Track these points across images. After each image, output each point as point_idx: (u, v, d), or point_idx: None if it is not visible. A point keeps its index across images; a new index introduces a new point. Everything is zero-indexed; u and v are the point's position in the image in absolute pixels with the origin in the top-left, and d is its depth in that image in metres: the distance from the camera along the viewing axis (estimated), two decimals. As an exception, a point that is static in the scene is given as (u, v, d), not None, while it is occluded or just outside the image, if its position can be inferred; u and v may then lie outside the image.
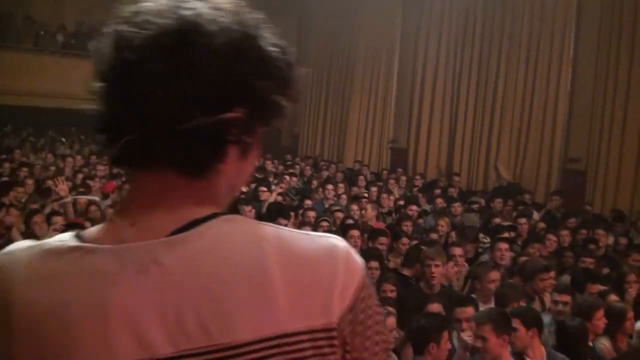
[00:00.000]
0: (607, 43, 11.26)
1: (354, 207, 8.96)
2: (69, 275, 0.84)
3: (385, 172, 13.58)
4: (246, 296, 0.83)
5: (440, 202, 10.19)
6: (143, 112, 0.85)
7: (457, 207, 9.65)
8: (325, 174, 12.89)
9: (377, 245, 6.60)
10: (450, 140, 13.80)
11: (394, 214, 9.46)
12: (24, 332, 0.83)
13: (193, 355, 0.82)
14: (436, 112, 14.00)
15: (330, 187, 10.20)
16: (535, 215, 9.64)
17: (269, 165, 13.26)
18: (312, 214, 8.14)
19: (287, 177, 11.50)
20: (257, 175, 11.59)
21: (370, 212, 8.67)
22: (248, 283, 0.83)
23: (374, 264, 5.72)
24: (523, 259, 6.34)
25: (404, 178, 12.53)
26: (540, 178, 12.13)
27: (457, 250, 6.31)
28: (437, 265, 5.40)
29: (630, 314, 4.77)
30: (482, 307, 4.94)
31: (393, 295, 5.08)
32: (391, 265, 6.41)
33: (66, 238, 0.89)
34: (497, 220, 8.82)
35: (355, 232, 6.68)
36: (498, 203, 10.21)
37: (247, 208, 7.94)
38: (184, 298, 0.82)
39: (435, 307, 4.44)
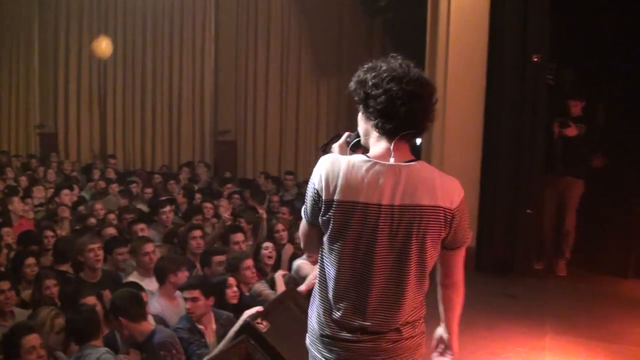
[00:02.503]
0: (245, 18, 12.08)
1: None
2: (365, 171, 2.14)
3: (34, 160, 12.67)
4: (424, 189, 2.13)
5: (99, 185, 10.04)
6: (406, 123, 2.16)
7: (115, 189, 9.61)
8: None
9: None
10: (102, 121, 13.38)
11: (47, 205, 8.93)
12: (344, 188, 2.14)
13: (401, 207, 2.11)
14: (84, 93, 13.39)
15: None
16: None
17: None
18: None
19: None
20: None
21: (20, 204, 8.04)
22: (425, 185, 2.13)
23: (30, 260, 5.55)
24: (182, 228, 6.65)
25: (55, 164, 11.99)
26: (196, 152, 12.60)
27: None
28: (97, 249, 5.43)
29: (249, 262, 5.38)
30: (142, 281, 5.00)
31: (56, 289, 4.88)
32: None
33: (364, 157, 2.19)
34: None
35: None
36: (157, 178, 10.67)
37: None
38: (404, 184, 2.12)
39: (91, 300, 4.33)
